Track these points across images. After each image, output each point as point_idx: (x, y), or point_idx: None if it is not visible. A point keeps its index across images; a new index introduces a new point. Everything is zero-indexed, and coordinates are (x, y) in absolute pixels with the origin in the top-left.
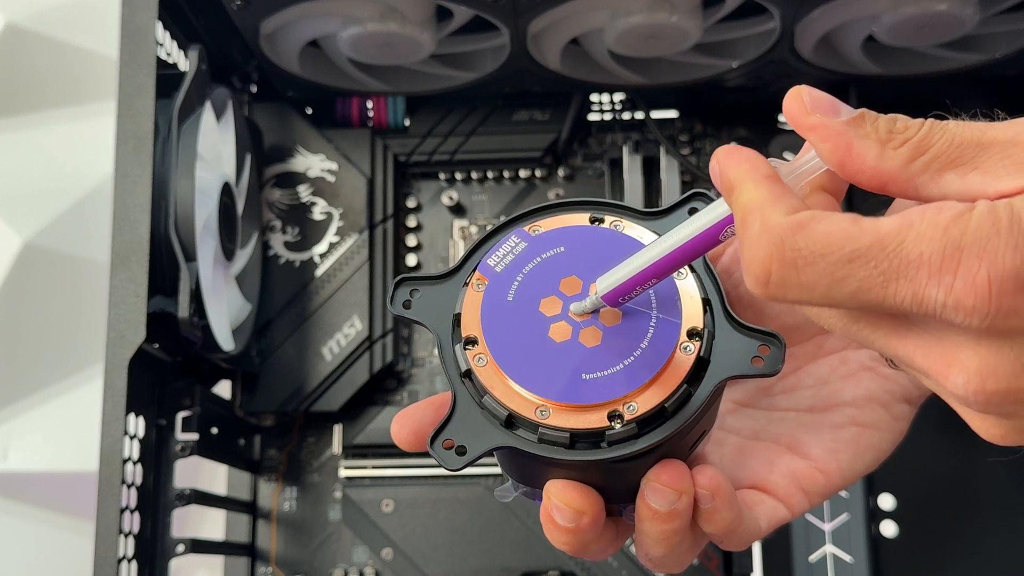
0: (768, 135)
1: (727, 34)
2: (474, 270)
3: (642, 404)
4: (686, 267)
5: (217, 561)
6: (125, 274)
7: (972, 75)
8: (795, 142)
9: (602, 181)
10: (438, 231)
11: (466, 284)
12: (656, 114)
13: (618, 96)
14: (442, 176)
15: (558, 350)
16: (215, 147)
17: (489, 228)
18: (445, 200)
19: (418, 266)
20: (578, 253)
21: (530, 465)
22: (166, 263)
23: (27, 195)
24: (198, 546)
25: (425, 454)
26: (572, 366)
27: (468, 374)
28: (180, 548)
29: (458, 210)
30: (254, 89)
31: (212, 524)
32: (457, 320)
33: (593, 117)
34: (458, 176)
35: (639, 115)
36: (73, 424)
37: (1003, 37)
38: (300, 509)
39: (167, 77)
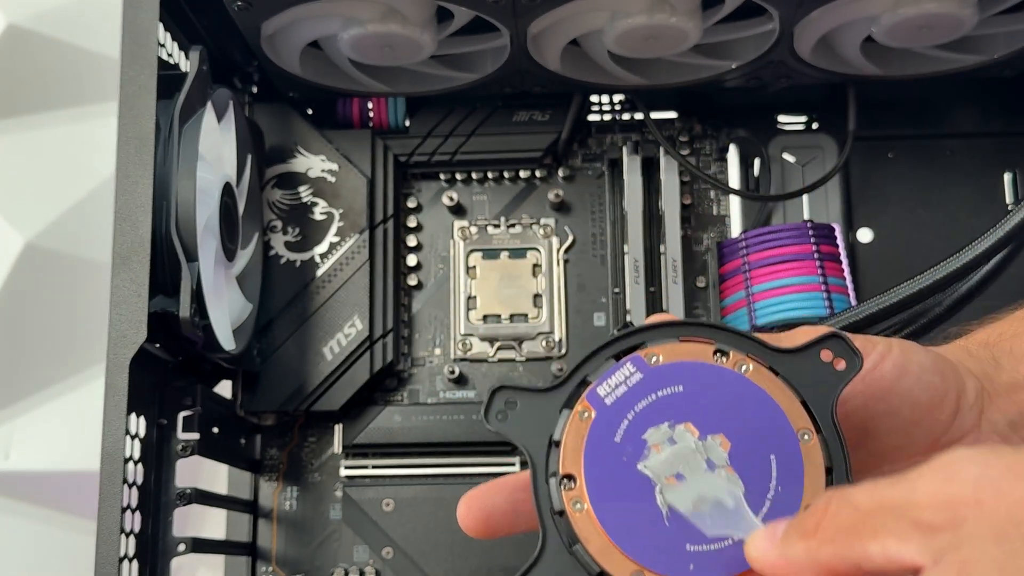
0: (767, 136)
1: (726, 35)
2: (579, 388)
3: None
4: (811, 428)
5: (218, 560)
6: (126, 274)
7: (971, 76)
8: (795, 142)
9: (602, 181)
10: (438, 231)
11: (569, 407)
12: (655, 115)
13: (618, 97)
14: (442, 176)
15: (664, 511)
16: (216, 147)
17: (609, 336)
18: (445, 200)
19: (418, 266)
20: (698, 397)
21: None
22: (167, 263)
23: (29, 195)
24: (199, 545)
25: (427, 454)
26: (677, 532)
27: (561, 514)
28: (181, 547)
29: (458, 210)
30: (255, 90)
31: (213, 523)
32: (555, 447)
33: (593, 118)
34: (458, 176)
35: (639, 116)
36: (74, 424)
37: (1002, 38)
38: (301, 508)
39: (168, 78)
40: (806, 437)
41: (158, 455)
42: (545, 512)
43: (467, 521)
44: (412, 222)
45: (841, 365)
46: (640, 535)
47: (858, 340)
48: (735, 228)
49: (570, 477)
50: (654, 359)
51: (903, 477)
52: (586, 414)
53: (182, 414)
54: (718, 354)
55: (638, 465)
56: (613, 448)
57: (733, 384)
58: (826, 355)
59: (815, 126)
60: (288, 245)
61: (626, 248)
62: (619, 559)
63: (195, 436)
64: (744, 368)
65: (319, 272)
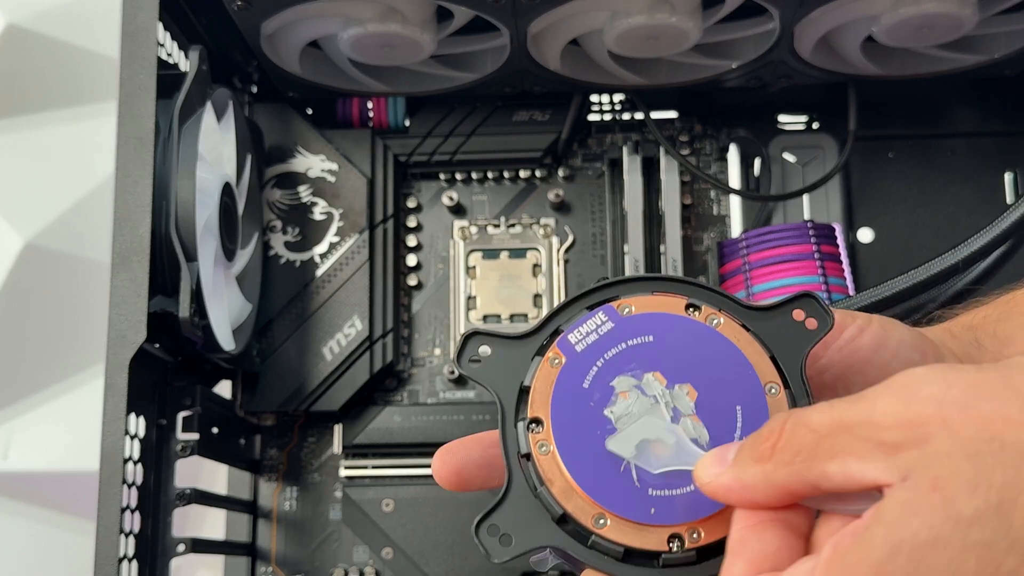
0: (767, 135)
1: (727, 35)
2: (552, 337)
3: (708, 533)
4: (779, 382)
5: (218, 560)
6: (126, 274)
7: (971, 76)
8: (795, 142)
9: (602, 181)
10: (438, 231)
11: (540, 355)
12: (656, 114)
13: (618, 97)
14: (442, 176)
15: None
16: (216, 147)
17: (579, 291)
18: (445, 200)
19: (418, 266)
20: (667, 347)
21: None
22: (167, 263)
23: (28, 195)
24: (199, 545)
25: (427, 454)
26: (640, 477)
27: (528, 457)
28: (181, 547)
29: (458, 210)
30: (255, 90)
31: (213, 523)
32: (524, 393)
33: (593, 117)
34: (458, 176)
35: (639, 115)
36: (74, 424)
37: (1002, 38)
38: (300, 508)
39: (168, 77)
40: (773, 390)
41: (158, 455)
42: (512, 455)
43: (441, 473)
44: (412, 222)
45: (812, 324)
46: (603, 479)
47: (838, 313)
48: (735, 228)
49: (537, 421)
50: (626, 310)
51: (860, 397)
52: (556, 360)
53: (182, 414)
54: (690, 308)
55: (605, 410)
56: (581, 393)
57: (703, 336)
58: (798, 314)
59: (815, 126)
60: (288, 245)
61: (626, 248)
62: (582, 501)
63: (195, 436)
64: (715, 322)
65: (319, 272)
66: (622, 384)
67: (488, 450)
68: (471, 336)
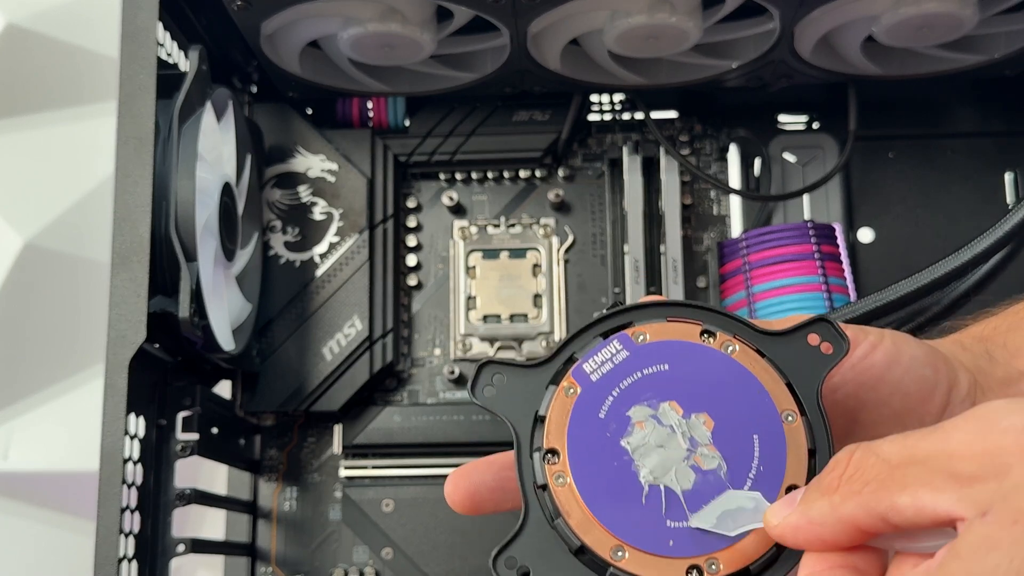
0: (768, 135)
1: (727, 35)
2: (566, 365)
3: (727, 564)
4: (795, 410)
5: (217, 561)
6: (126, 274)
7: (971, 75)
8: (795, 142)
9: (602, 181)
10: (438, 231)
11: (555, 383)
12: (656, 114)
13: (618, 96)
14: (442, 176)
15: (645, 487)
16: (216, 147)
17: (592, 318)
18: (445, 200)
19: (418, 266)
20: (682, 375)
21: None
22: (167, 263)
23: (28, 195)
24: (198, 546)
25: (427, 454)
26: (657, 508)
27: (544, 488)
28: (180, 548)
29: (458, 210)
30: (255, 89)
31: (212, 524)
32: (540, 422)
33: (593, 117)
34: (458, 176)
35: (639, 115)
36: (74, 424)
37: (1002, 38)
38: (300, 509)
39: (168, 77)
40: (790, 418)
41: (157, 455)
42: (528, 486)
43: (454, 497)
44: (412, 222)
45: (828, 349)
46: (621, 510)
47: (850, 329)
48: (735, 228)
49: (554, 452)
50: (641, 338)
51: (935, 428)
52: (572, 390)
53: (181, 414)
54: (705, 335)
55: (621, 441)
56: (597, 424)
57: (718, 364)
58: (813, 339)
59: (816, 126)
60: (288, 245)
61: (626, 248)
62: (600, 533)
63: (194, 436)
64: (730, 349)
65: (319, 272)
66: (638, 414)
67: (501, 472)
68: (485, 365)
